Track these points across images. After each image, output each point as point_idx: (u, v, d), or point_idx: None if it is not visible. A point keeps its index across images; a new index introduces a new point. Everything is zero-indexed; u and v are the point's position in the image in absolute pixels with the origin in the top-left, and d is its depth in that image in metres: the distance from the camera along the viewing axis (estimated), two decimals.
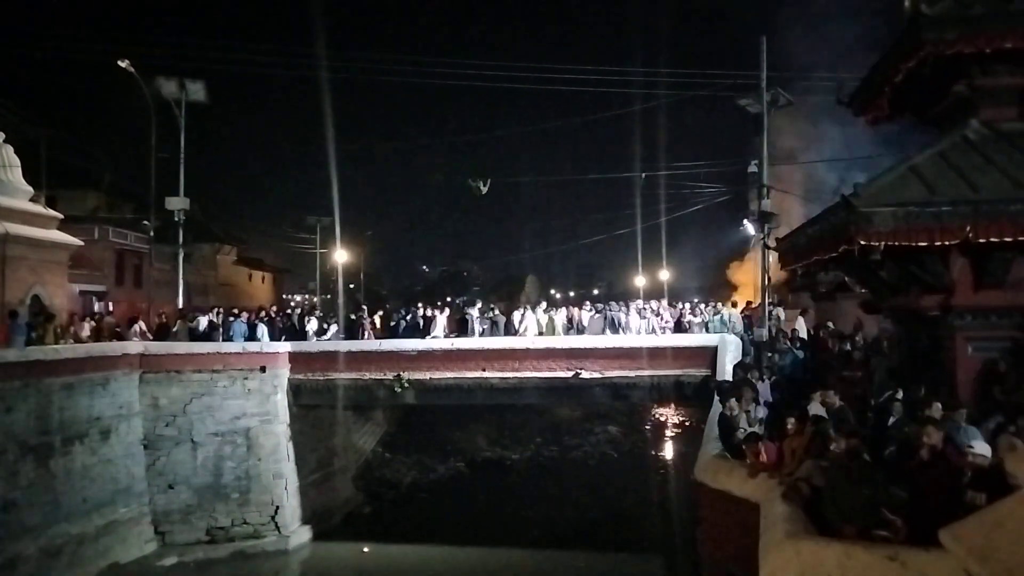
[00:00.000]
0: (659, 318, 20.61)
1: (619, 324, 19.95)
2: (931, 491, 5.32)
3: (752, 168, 19.14)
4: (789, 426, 7.63)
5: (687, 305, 22.77)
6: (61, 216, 23.38)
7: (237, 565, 17.52)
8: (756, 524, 6.42)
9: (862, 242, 8.38)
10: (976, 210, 8.28)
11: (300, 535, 18.86)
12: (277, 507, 18.55)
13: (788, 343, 14.36)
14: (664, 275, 43.01)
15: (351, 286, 50.63)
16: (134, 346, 18.74)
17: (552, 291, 77.51)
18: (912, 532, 5.06)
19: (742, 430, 9.04)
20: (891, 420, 8.33)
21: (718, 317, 19.65)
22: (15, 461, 14.82)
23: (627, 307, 21.36)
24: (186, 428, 18.51)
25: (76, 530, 15.87)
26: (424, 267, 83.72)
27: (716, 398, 12.17)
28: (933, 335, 10.07)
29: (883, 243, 8.41)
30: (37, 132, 24.69)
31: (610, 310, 20.67)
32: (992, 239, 8.29)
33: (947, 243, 8.48)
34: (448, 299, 61.73)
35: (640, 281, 41.48)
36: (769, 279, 18.82)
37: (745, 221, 22.39)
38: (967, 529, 4.49)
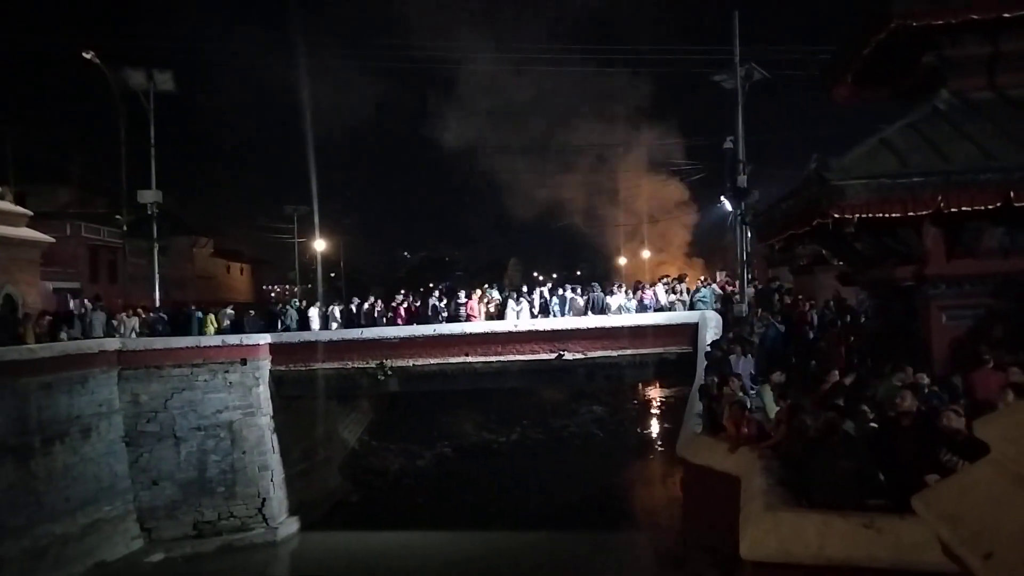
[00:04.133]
0: (640, 296, 20.61)
1: (601, 304, 19.99)
2: (910, 456, 5.40)
3: (728, 144, 19.14)
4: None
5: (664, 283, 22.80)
6: (31, 213, 22.96)
7: (225, 558, 17.48)
8: (737, 498, 6.49)
9: (835, 215, 8.44)
10: (947, 180, 8.36)
11: (288, 526, 18.84)
12: (263, 499, 18.51)
13: (767, 317, 14.45)
14: (646, 254, 43.20)
15: (332, 275, 50.31)
16: (111, 343, 18.51)
17: (535, 273, 77.48)
18: (897, 500, 5.14)
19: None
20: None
21: (700, 295, 19.67)
22: None
23: (610, 288, 21.31)
24: (168, 424, 18.36)
25: (60, 530, 15.73)
26: (405, 253, 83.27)
27: (697, 376, 12.28)
28: (908, 305, 10.19)
29: (856, 215, 8.48)
30: (3, 128, 24.17)
31: (592, 290, 20.70)
32: (964, 208, 8.37)
33: (920, 213, 8.56)
34: (431, 284, 61.52)
35: (622, 260, 41.64)
36: (748, 254, 18.93)
37: (722, 197, 22.43)
38: (938, 494, 4.54)
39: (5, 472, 14.86)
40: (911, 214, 8.57)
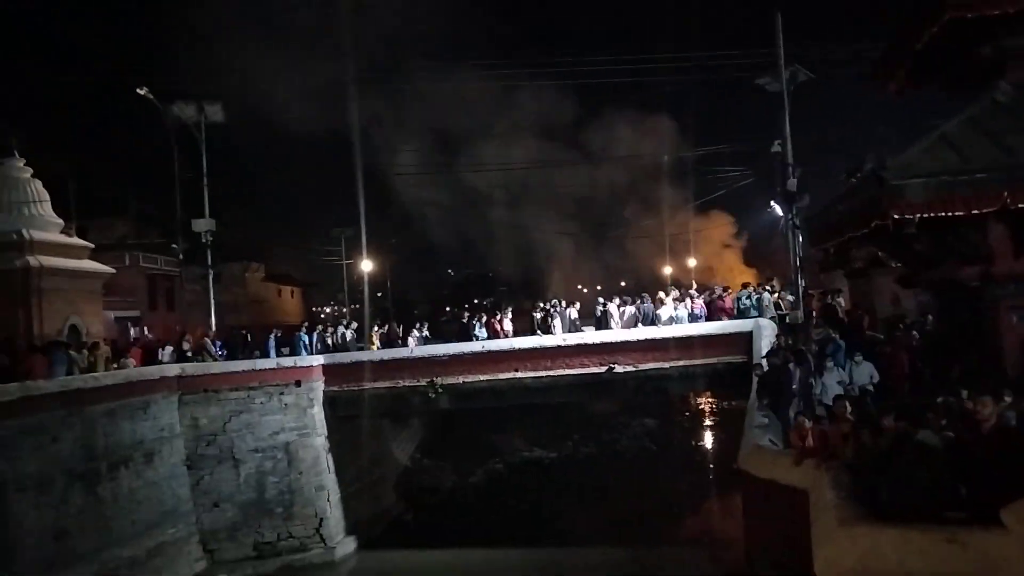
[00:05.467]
0: (690, 303, 20.29)
1: (651, 316, 19.76)
2: (994, 466, 5.15)
3: (776, 148, 18.77)
4: (845, 409, 7.48)
5: (717, 291, 22.42)
6: (92, 245, 23.83)
7: None
8: (805, 512, 6.29)
9: (895, 216, 8.18)
10: (1012, 175, 8.05)
11: (345, 545, 18.99)
12: (321, 519, 18.70)
13: (825, 328, 13.99)
14: (692, 263, 42.65)
15: (379, 294, 50.94)
16: (171, 368, 19.01)
17: (579, 286, 77.11)
18: (978, 512, 4.91)
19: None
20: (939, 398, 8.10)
21: (751, 300, 19.28)
22: (64, 489, 15.08)
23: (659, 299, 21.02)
24: (227, 446, 18.73)
25: (128, 553, 16.12)
26: (449, 271, 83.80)
27: (754, 389, 12.00)
28: (974, 306, 9.80)
29: (917, 215, 8.21)
30: (62, 164, 25.20)
31: (642, 302, 20.48)
32: None
33: (984, 211, 8.25)
34: (476, 300, 61.76)
35: (667, 270, 41.18)
36: (800, 259, 18.49)
37: (772, 202, 22.00)
38: None
39: (74, 498, 15.31)
40: (975, 212, 8.27)
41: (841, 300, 16.99)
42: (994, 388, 6.87)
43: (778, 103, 18.20)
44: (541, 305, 21.51)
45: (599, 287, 66.24)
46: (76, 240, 22.95)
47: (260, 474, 18.72)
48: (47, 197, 22.15)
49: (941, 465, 5.29)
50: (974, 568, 4.56)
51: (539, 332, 19.91)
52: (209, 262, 23.44)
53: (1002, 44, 9.42)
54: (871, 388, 10.36)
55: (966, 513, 5.12)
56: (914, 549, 4.77)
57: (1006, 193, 7.98)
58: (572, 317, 20.63)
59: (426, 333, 22.13)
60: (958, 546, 4.65)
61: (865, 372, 10.70)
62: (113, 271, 24.48)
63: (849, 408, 7.53)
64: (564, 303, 21.29)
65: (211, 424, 18.81)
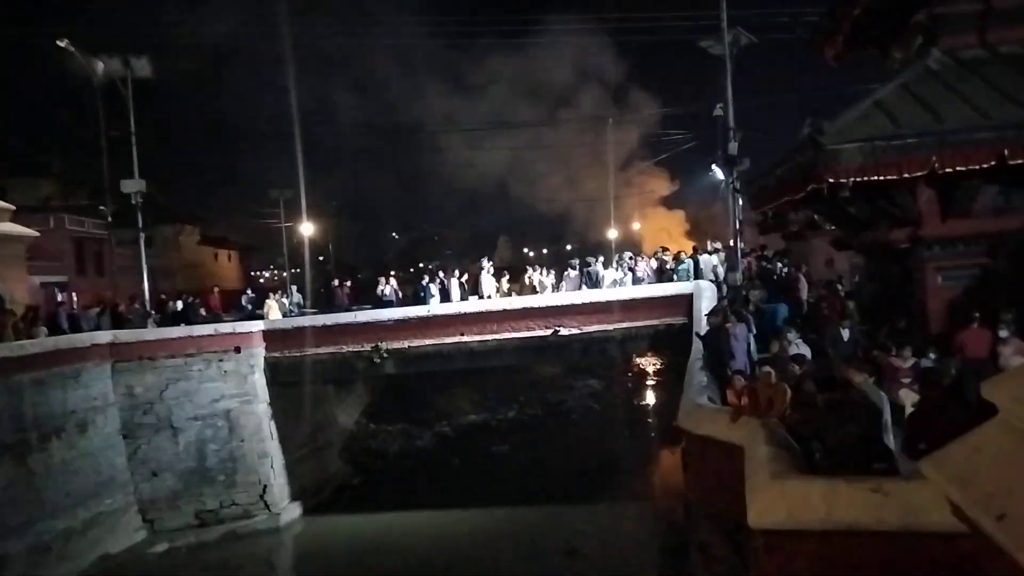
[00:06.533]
0: (633, 271, 20.62)
1: (596, 278, 19.95)
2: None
3: (717, 111, 18.97)
4: (771, 375, 7.71)
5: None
6: (13, 207, 22.61)
7: (229, 546, 17.51)
8: (741, 467, 6.50)
9: (830, 180, 8.40)
10: (941, 140, 8.32)
11: (290, 512, 18.88)
12: (265, 486, 18.50)
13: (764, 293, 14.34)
14: (636, 226, 43.13)
15: (320, 258, 50.04)
16: (102, 335, 18.34)
17: (525, 249, 77.34)
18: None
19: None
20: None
21: (683, 266, 19.71)
22: None
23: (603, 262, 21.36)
24: (164, 415, 18.27)
25: (63, 525, 15.69)
26: (393, 234, 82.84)
27: (694, 347, 12.27)
28: (903, 267, 10.20)
29: (851, 179, 8.44)
30: None
31: (587, 265, 20.64)
32: (958, 168, 8.35)
33: (914, 175, 8.53)
34: (421, 264, 61.33)
35: (612, 234, 41.56)
36: (739, 222, 18.87)
37: (713, 165, 22.31)
38: (948, 456, 4.55)
39: (3, 470, 14.75)
40: (905, 176, 8.55)
41: (779, 263, 17.46)
42: (918, 345, 7.18)
43: (721, 66, 18.34)
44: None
45: (544, 250, 66.59)
46: None
47: (200, 442, 18.36)
48: None
49: (868, 420, 5.52)
50: (896, 516, 4.79)
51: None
52: (140, 224, 22.52)
53: (935, 12, 9.66)
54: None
55: (890, 465, 5.38)
56: (841, 500, 4.97)
57: (935, 158, 8.26)
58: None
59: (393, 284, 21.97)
60: (881, 495, 4.87)
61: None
62: (37, 234, 23.31)
63: (774, 374, 7.77)
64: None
65: (147, 392, 18.28)
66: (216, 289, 25.14)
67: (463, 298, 20.92)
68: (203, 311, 21.53)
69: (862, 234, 10.93)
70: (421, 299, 20.81)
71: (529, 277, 21.86)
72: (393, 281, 22.41)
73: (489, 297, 20.64)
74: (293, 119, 24.14)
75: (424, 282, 21.86)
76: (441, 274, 22.94)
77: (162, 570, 16.55)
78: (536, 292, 20.74)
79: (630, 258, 22.11)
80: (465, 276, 22.80)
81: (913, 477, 4.88)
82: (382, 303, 21.12)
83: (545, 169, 50.38)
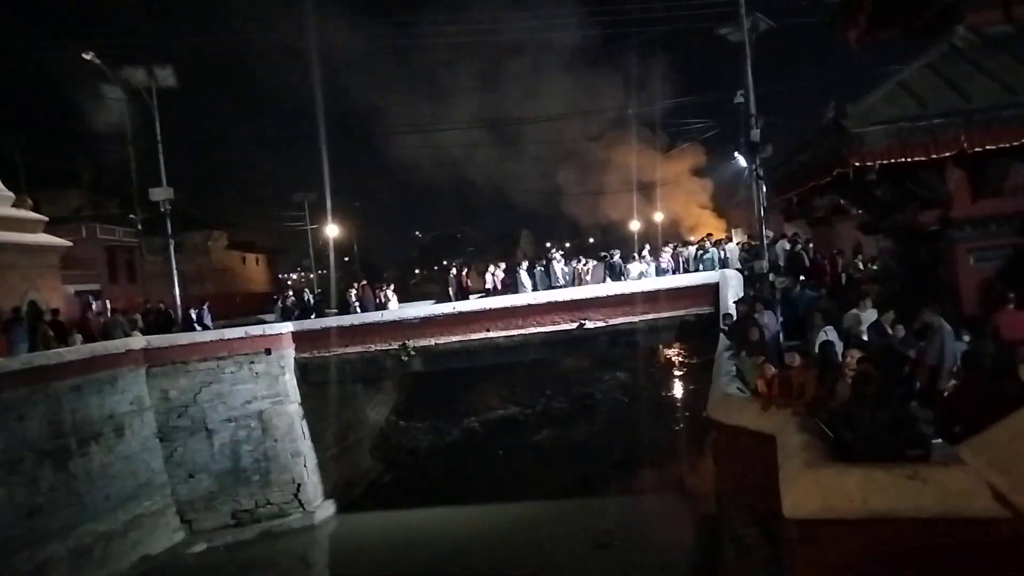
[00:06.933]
0: (657, 262, 20.53)
1: (620, 271, 19.89)
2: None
3: (738, 98, 18.74)
4: (795, 360, 7.66)
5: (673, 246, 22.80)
6: (46, 219, 23.08)
7: (266, 544, 17.80)
8: (773, 456, 6.46)
9: (856, 163, 8.28)
10: (969, 119, 8.17)
11: (324, 509, 19.12)
12: (299, 485, 18.76)
13: (790, 279, 14.24)
14: (658, 217, 42.81)
15: (346, 259, 50.46)
16: (136, 341, 18.69)
17: (548, 244, 77.21)
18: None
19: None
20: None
21: (707, 256, 19.58)
22: (34, 468, 14.88)
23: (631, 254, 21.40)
24: (199, 417, 18.60)
25: (103, 528, 16.05)
26: (417, 233, 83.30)
27: (722, 337, 12.19)
28: (933, 250, 10.03)
29: (877, 162, 8.32)
30: (10, 136, 24.22)
31: (611, 257, 20.59)
32: (987, 147, 8.19)
33: (942, 156, 8.39)
34: (444, 262, 61.57)
35: (635, 226, 41.33)
36: (764, 209, 18.66)
37: (736, 153, 22.09)
38: (987, 442, 4.50)
39: (45, 475, 15.13)
40: (933, 157, 8.40)
41: (805, 250, 17.24)
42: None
43: (740, 53, 18.11)
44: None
45: (567, 244, 66.46)
46: (29, 214, 22.16)
47: (234, 443, 18.66)
48: None
49: (898, 404, 5.46)
50: (934, 502, 4.74)
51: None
52: (169, 231, 22.89)
53: None
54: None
55: (926, 451, 5.31)
56: (877, 487, 4.93)
57: (963, 138, 8.11)
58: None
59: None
60: (919, 482, 4.82)
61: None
62: (70, 244, 23.74)
63: (797, 359, 7.72)
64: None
65: (181, 396, 18.63)
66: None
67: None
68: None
69: (890, 217, 10.76)
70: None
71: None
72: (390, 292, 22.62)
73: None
74: (318, 121, 24.24)
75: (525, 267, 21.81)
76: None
77: (201, 570, 16.87)
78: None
79: (652, 250, 22.02)
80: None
81: (950, 462, 4.82)
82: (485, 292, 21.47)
83: (567, 163, 50.21)
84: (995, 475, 3.53)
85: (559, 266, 20.72)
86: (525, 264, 21.84)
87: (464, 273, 22.75)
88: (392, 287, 23.18)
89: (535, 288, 20.15)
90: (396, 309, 21.10)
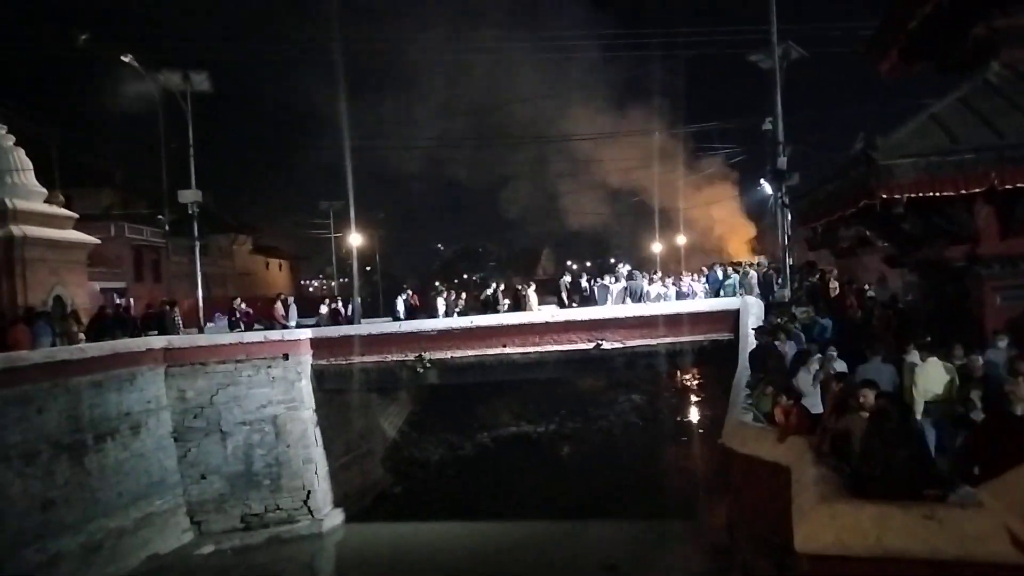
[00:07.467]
0: (677, 286, 20.45)
1: (640, 293, 19.82)
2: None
3: (767, 126, 18.73)
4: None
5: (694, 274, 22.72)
6: (77, 215, 23.52)
7: (273, 550, 17.80)
8: (788, 488, 6.36)
9: (883, 196, 8.19)
10: (1000, 156, 8.06)
11: (333, 518, 19.11)
12: (309, 491, 18.79)
13: (811, 309, 14.07)
14: (681, 240, 42.65)
15: (367, 268, 50.77)
16: (157, 341, 18.91)
17: (568, 262, 77.16)
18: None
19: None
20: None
21: (729, 281, 19.43)
22: (50, 460, 15.06)
23: (648, 276, 21.32)
24: (214, 419, 18.73)
25: (115, 524, 16.17)
26: (439, 245, 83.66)
27: (741, 363, 12.08)
28: (959, 286, 9.88)
29: (905, 196, 8.23)
30: (46, 133, 24.76)
31: (631, 279, 20.53)
32: (1018, 184, 8.07)
33: (972, 191, 8.27)
34: (465, 276, 61.78)
35: (657, 248, 41.18)
36: (789, 238, 18.56)
37: (762, 180, 22.01)
38: (1008, 484, 4.40)
39: (60, 469, 15.29)
40: (963, 192, 8.29)
41: (832, 279, 17.06)
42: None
43: (771, 81, 18.12)
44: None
45: (587, 263, 66.42)
46: (60, 210, 22.61)
47: (248, 447, 18.75)
48: (30, 166, 21.75)
49: (918, 443, 5.36)
50: (950, 544, 4.63)
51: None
52: (195, 233, 23.23)
53: (995, 24, 9.39)
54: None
55: (944, 491, 5.20)
56: (893, 526, 4.83)
57: (994, 174, 8.00)
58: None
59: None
60: (936, 523, 4.71)
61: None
62: (98, 241, 24.18)
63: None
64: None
65: (198, 397, 18.78)
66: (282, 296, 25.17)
67: None
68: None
69: (916, 251, 10.63)
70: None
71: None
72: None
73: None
74: (343, 133, 24.45)
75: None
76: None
77: (208, 572, 16.90)
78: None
79: (673, 274, 21.96)
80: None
81: (967, 504, 4.71)
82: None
83: (589, 183, 50.32)
84: (1014, 519, 3.44)
85: (645, 284, 20.65)
86: (612, 279, 21.57)
87: (411, 295, 23.97)
88: (445, 295, 23.21)
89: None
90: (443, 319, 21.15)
